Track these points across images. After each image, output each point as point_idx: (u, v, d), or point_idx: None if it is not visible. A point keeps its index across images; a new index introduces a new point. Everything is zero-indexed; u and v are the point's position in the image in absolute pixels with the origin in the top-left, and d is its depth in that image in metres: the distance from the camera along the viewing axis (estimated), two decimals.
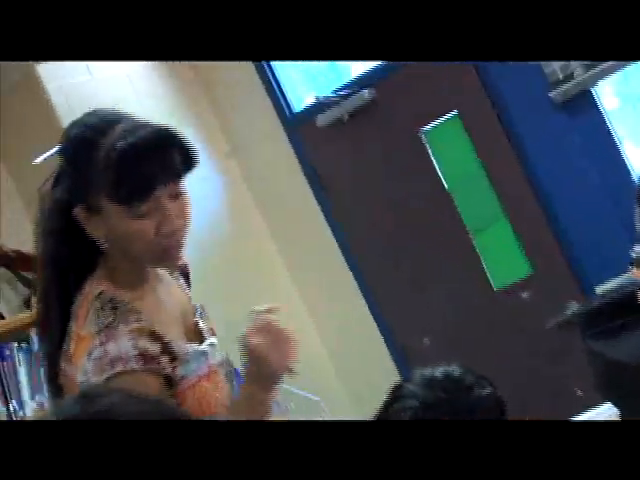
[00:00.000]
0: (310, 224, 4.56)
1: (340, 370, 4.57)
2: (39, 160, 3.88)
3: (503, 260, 4.15)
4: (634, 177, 3.81)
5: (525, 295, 4.06)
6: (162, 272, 2.06)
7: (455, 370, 2.07)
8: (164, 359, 1.89)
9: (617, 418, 2.31)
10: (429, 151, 4.14)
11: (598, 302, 2.59)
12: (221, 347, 3.96)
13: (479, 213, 4.15)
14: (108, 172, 1.84)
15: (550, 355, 3.96)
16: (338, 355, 4.61)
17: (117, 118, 1.90)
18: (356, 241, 4.44)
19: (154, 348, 1.88)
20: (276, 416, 3.82)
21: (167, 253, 1.90)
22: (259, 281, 4.58)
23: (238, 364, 2.01)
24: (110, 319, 1.89)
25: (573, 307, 3.81)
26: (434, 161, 4.17)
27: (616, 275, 3.50)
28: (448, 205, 4.11)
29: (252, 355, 1.85)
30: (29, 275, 4.15)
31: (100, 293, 1.93)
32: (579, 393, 3.74)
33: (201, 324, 2.07)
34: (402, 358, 4.35)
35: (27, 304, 4.13)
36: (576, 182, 3.85)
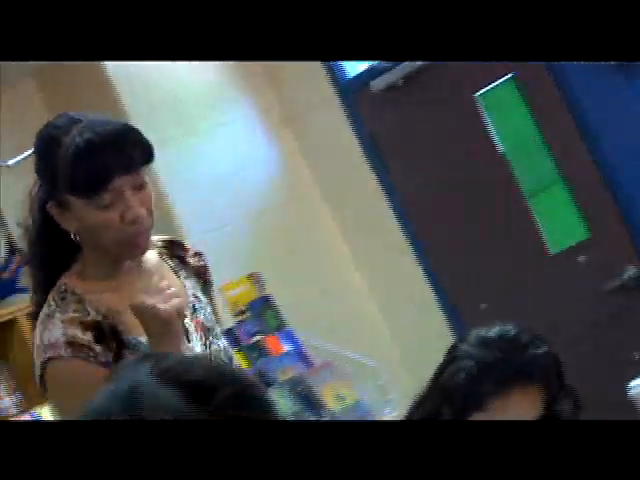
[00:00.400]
0: (365, 188, 4.53)
1: (396, 336, 4.53)
2: (12, 162, 3.92)
3: (559, 224, 4.09)
4: None
5: (582, 259, 4.01)
6: (160, 270, 2.18)
7: (510, 329, 2.11)
8: (98, 348, 2.03)
9: None
10: (484, 114, 4.05)
11: None
12: (283, 310, 4.02)
13: (535, 176, 4.08)
14: (66, 167, 1.97)
15: (607, 319, 3.94)
16: (394, 321, 4.57)
17: (82, 118, 2.01)
18: (412, 206, 4.40)
19: (85, 337, 2.02)
20: (336, 380, 3.88)
21: (133, 240, 2.02)
22: (313, 247, 4.59)
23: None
24: (52, 309, 2.04)
25: (630, 271, 3.93)
26: (489, 124, 4.07)
27: None
28: (503, 168, 4.07)
29: (144, 318, 1.97)
30: None
31: (61, 285, 2.08)
32: (638, 357, 3.70)
33: (188, 320, 2.16)
34: (458, 323, 4.30)
35: None
36: (636, 145, 3.79)
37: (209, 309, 2.28)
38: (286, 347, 3.96)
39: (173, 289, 2.07)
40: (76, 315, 2.05)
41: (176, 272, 2.25)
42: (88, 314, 2.06)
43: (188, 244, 2.35)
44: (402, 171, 4.38)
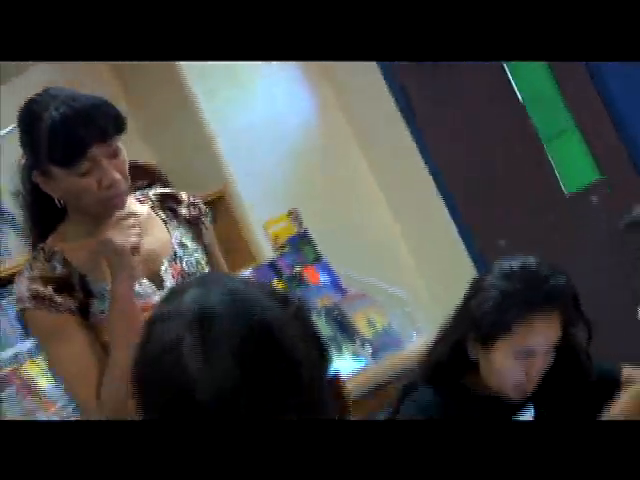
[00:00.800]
0: (395, 132, 4.61)
1: (423, 269, 4.62)
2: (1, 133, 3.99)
3: (573, 167, 4.21)
4: None
5: (594, 199, 4.13)
6: (148, 221, 2.29)
7: (532, 262, 2.20)
8: (59, 298, 2.18)
9: None
10: (508, 72, 4.17)
11: None
12: (319, 244, 4.21)
13: (551, 123, 4.18)
14: (46, 140, 2.09)
15: (618, 254, 3.90)
16: (421, 255, 4.66)
17: (59, 93, 2.12)
18: (439, 150, 4.50)
19: (46, 290, 2.17)
20: (367, 308, 4.12)
21: (111, 202, 2.14)
22: (347, 186, 4.70)
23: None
24: (24, 267, 2.22)
25: (639, 209, 4.02)
26: (512, 81, 4.20)
27: None
28: (523, 117, 4.18)
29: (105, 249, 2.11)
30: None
31: (38, 246, 2.25)
32: None
33: (164, 268, 2.29)
34: (480, 259, 4.38)
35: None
36: None
37: (197, 254, 2.38)
38: (322, 278, 4.10)
39: (134, 227, 2.18)
40: (38, 272, 2.19)
41: (166, 223, 2.36)
42: (54, 269, 2.20)
43: (184, 195, 2.45)
44: (430, 118, 4.50)
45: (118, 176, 2.13)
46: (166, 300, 1.17)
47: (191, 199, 2.42)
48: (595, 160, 4.09)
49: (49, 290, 2.17)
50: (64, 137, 2.09)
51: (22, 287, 2.25)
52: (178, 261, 2.33)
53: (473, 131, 4.40)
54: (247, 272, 4.17)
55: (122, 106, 4.12)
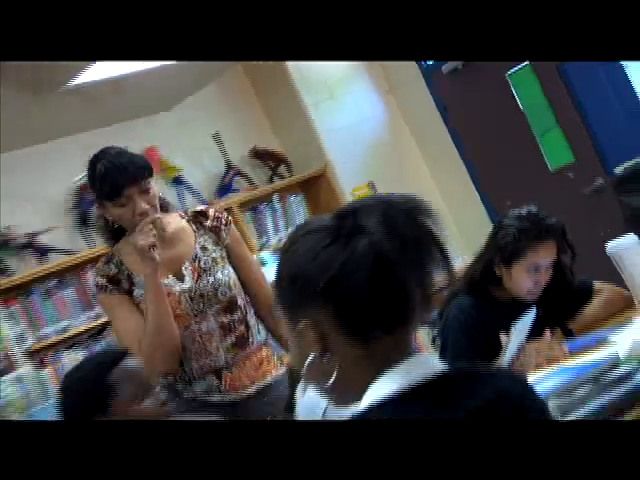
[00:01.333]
0: (438, 132, 5.20)
1: (458, 223, 5.04)
2: (76, 180, 4.22)
3: (557, 152, 4.61)
4: None
5: (570, 174, 4.64)
6: (182, 232, 2.48)
7: (534, 209, 2.43)
8: (111, 286, 2.42)
9: (637, 244, 2.46)
10: (512, 86, 4.72)
11: (624, 173, 2.80)
12: None
13: (542, 124, 4.62)
14: (98, 182, 2.35)
15: (587, 212, 4.48)
16: (457, 214, 5.05)
17: (110, 151, 2.36)
18: (470, 145, 5.06)
19: (104, 281, 2.42)
20: None
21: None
22: (408, 167, 5.25)
23: None
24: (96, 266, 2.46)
25: (599, 181, 4.43)
26: (515, 93, 4.70)
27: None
28: (523, 119, 4.63)
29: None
30: (271, 164, 5.23)
31: (108, 253, 2.51)
32: (602, 233, 3.81)
33: (185, 267, 2.46)
34: (493, 213, 4.94)
35: (271, 179, 5.28)
36: (605, 102, 4.33)
37: (214, 254, 2.50)
38: None
39: (151, 231, 2.31)
40: (100, 271, 2.44)
41: (195, 232, 2.52)
42: (110, 268, 2.43)
43: (211, 212, 2.56)
44: (463, 123, 5.04)
45: (147, 207, 2.35)
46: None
47: (216, 214, 2.57)
48: (570, 148, 4.57)
49: (105, 281, 2.43)
50: (108, 181, 2.33)
51: (91, 280, 2.68)
52: (197, 261, 2.48)
53: (494, 129, 4.80)
54: None
55: (259, 112, 4.77)
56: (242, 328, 2.51)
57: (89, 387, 1.85)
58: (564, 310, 2.58)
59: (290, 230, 4.98)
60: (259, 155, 5.28)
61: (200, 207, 2.58)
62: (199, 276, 2.45)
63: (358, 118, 5.25)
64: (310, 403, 2.04)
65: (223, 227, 2.51)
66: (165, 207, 2.46)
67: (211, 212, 2.53)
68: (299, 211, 5.28)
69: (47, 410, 3.63)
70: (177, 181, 4.98)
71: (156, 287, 2.30)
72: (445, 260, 1.09)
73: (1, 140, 3.70)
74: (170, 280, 2.42)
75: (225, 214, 2.54)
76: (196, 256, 2.45)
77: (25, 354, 3.96)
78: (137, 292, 2.42)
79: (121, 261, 2.44)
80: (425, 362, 1.13)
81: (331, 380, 1.12)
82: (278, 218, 5.19)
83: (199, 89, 4.74)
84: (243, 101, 5.23)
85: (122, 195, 2.32)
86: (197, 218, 2.52)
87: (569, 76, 4.53)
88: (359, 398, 1.11)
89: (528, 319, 2.30)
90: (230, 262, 2.50)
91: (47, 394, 3.82)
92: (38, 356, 4.05)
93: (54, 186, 4.43)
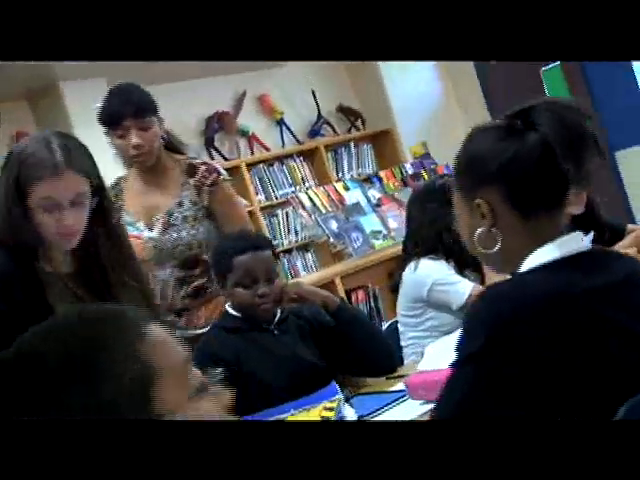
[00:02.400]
0: (477, 99, 6.07)
1: None
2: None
3: None
4: None
5: None
6: (170, 180, 2.44)
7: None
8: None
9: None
10: (543, 80, 5.56)
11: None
12: (438, 159, 5.43)
13: None
14: (102, 111, 2.41)
15: None
16: None
17: (121, 85, 2.40)
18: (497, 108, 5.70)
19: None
20: None
21: (136, 157, 2.39)
22: (454, 131, 5.66)
23: None
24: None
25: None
26: (545, 87, 5.50)
27: None
28: None
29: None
30: None
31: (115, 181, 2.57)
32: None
33: (157, 217, 2.44)
34: None
35: (349, 129, 6.25)
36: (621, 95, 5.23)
37: (189, 212, 2.45)
38: (445, 170, 5.06)
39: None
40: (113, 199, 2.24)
41: (182, 185, 2.49)
42: (110, 193, 2.17)
43: (203, 167, 2.49)
44: (501, 106, 4.61)
45: (142, 143, 2.34)
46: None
47: (204, 173, 2.48)
48: None
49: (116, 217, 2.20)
50: (109, 109, 2.38)
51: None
52: (169, 215, 2.46)
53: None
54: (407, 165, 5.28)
55: (345, 77, 6.14)
56: (203, 280, 2.53)
57: None
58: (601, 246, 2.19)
59: (360, 169, 6.25)
60: (343, 110, 6.35)
61: (196, 160, 2.54)
62: (164, 229, 2.48)
63: (420, 90, 6.31)
64: (420, 276, 2.37)
65: (206, 187, 2.46)
66: (173, 147, 2.48)
67: (201, 169, 2.48)
68: (368, 156, 6.34)
69: None
70: (281, 122, 6.06)
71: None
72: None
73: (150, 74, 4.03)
74: (141, 225, 2.48)
75: (215, 175, 2.47)
76: (170, 210, 2.46)
77: None
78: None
79: (121, 190, 2.55)
80: (574, 240, 1.21)
81: (495, 248, 1.22)
82: (352, 159, 6.30)
83: None
84: (335, 67, 6.31)
85: (119, 125, 2.36)
86: (187, 170, 2.50)
87: (590, 77, 5.51)
88: (517, 266, 1.23)
89: None
90: (214, 220, 2.49)
91: None
92: None
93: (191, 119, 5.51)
